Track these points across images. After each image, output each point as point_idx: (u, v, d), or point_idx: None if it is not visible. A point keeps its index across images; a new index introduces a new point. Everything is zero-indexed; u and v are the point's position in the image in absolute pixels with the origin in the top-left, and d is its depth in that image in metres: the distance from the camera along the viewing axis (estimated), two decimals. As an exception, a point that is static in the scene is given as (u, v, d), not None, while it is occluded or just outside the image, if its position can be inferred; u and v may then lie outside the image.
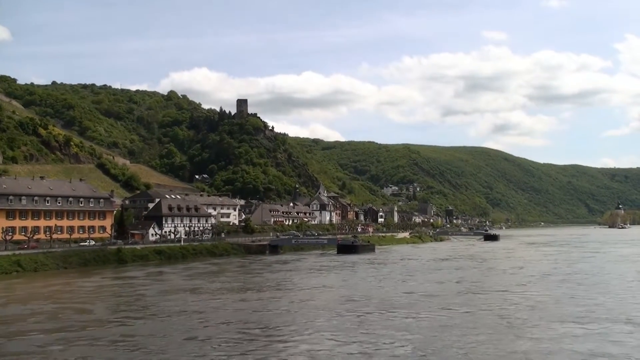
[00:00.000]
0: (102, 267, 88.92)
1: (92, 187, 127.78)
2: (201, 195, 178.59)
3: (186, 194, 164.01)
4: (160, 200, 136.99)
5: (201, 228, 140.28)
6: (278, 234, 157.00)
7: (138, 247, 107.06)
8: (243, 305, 48.44)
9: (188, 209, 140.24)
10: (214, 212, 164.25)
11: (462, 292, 54.52)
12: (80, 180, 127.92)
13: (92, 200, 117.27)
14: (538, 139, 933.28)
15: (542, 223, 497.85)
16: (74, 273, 79.47)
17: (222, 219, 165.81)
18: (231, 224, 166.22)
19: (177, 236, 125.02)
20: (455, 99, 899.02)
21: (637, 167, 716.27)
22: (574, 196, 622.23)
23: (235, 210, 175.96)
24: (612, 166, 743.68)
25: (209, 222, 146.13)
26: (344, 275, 72.72)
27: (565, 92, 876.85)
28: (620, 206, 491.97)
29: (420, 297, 51.16)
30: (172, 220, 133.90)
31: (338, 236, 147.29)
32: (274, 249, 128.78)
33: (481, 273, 72.36)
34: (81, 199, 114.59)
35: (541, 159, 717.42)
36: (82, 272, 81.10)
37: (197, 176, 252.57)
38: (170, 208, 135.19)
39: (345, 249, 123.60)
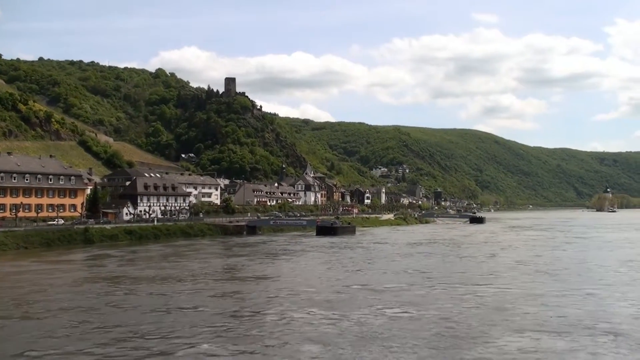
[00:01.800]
0: (66, 248, 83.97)
1: (63, 164, 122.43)
2: (182, 174, 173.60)
3: (166, 173, 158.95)
4: (135, 179, 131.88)
5: (178, 208, 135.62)
6: (259, 214, 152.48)
7: (108, 226, 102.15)
8: (136, 300, 41.20)
9: (165, 188, 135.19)
10: (195, 192, 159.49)
11: (415, 285, 46.68)
12: (51, 156, 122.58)
13: (62, 177, 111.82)
14: (528, 122, 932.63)
15: (531, 206, 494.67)
16: (32, 254, 74.58)
17: (203, 199, 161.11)
18: (212, 204, 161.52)
19: (151, 216, 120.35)
20: (445, 81, 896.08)
21: (626, 152, 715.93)
22: (563, 180, 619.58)
23: (217, 190, 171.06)
24: (601, 150, 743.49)
25: (187, 201, 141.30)
26: (302, 261, 66.88)
27: (556, 76, 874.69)
28: (608, 190, 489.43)
29: (362, 291, 43.56)
30: (148, 200, 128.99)
31: (318, 217, 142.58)
32: (252, 229, 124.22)
33: (450, 261, 65.73)
34: (51, 176, 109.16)
35: (531, 142, 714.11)
36: (34, 253, 76.02)
37: (183, 155, 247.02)
38: (146, 187, 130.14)
39: (325, 230, 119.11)
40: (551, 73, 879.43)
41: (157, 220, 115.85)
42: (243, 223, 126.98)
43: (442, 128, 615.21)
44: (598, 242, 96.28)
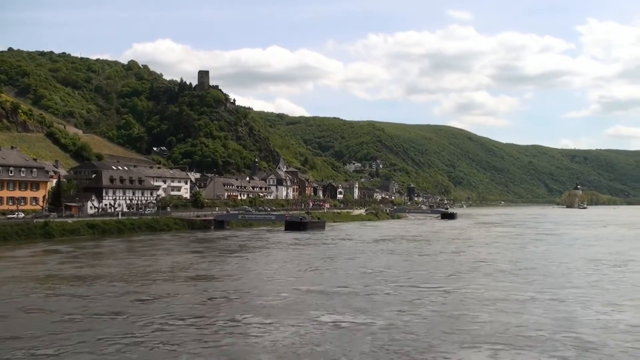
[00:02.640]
0: (24, 242, 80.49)
1: (25, 155, 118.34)
2: (151, 167, 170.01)
3: (134, 166, 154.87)
4: (101, 171, 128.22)
5: (145, 202, 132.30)
6: (229, 208, 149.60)
7: (69, 220, 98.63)
8: (54, 304, 36.82)
9: (132, 181, 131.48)
10: (164, 185, 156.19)
11: (370, 287, 42.36)
12: (12, 147, 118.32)
13: (23, 169, 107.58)
14: (501, 119, 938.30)
15: (503, 202, 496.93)
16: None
17: (172, 193, 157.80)
18: (182, 198, 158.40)
19: (117, 210, 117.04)
20: (420, 78, 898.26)
21: (596, 149, 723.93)
22: (534, 176, 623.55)
23: (186, 183, 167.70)
24: (572, 147, 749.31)
25: (154, 195, 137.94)
26: (258, 259, 62.98)
27: (529, 73, 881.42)
28: (578, 187, 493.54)
29: (310, 295, 39.66)
30: (114, 193, 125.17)
31: (287, 212, 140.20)
32: (219, 224, 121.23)
33: (413, 259, 61.84)
34: (11, 168, 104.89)
35: (504, 139, 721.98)
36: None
37: (155, 148, 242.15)
38: (111, 180, 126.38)
39: (293, 225, 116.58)
40: (524, 71, 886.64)
41: (123, 215, 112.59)
42: (211, 217, 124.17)
43: (416, 124, 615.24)
44: (566, 239, 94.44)
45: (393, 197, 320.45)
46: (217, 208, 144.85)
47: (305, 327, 30.07)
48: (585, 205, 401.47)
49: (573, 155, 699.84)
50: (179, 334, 28.74)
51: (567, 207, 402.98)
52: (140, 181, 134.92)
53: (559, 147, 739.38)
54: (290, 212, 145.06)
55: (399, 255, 66.66)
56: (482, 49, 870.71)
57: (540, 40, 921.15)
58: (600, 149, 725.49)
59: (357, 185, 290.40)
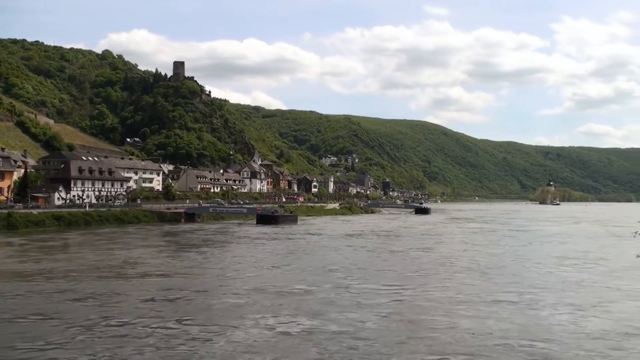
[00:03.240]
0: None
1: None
2: (122, 158, 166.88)
3: (105, 156, 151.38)
4: (69, 162, 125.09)
5: (114, 193, 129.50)
6: (201, 201, 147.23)
7: (35, 212, 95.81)
8: None
9: (101, 172, 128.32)
10: (135, 177, 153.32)
11: (328, 287, 38.94)
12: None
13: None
14: (476, 115, 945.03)
15: (477, 197, 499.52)
16: None
17: (143, 184, 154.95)
18: (154, 189, 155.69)
19: (85, 201, 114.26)
20: (396, 72, 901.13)
21: (569, 146, 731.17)
22: (509, 172, 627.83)
23: (159, 175, 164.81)
24: (545, 144, 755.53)
25: (124, 186, 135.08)
26: (216, 254, 59.53)
27: (504, 70, 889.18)
28: (551, 183, 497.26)
29: (262, 295, 35.68)
30: (83, 184, 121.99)
31: (258, 206, 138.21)
32: (190, 217, 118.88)
33: (379, 256, 58.64)
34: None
35: (479, 135, 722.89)
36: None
37: (128, 139, 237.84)
38: (80, 170, 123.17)
39: (265, 219, 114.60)
40: (499, 67, 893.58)
41: (91, 206, 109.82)
42: (182, 210, 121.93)
43: (393, 119, 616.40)
44: (538, 236, 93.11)
45: (368, 192, 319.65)
46: (187, 200, 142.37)
47: (247, 333, 26.99)
48: (558, 202, 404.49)
49: (547, 152, 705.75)
50: (99, 341, 25.22)
51: (540, 203, 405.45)
52: (110, 172, 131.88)
53: (533, 143, 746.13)
54: (263, 206, 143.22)
55: (365, 251, 64.01)
56: (458, 44, 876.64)
57: (515, 37, 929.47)
58: (573, 146, 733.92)
59: (332, 179, 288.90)
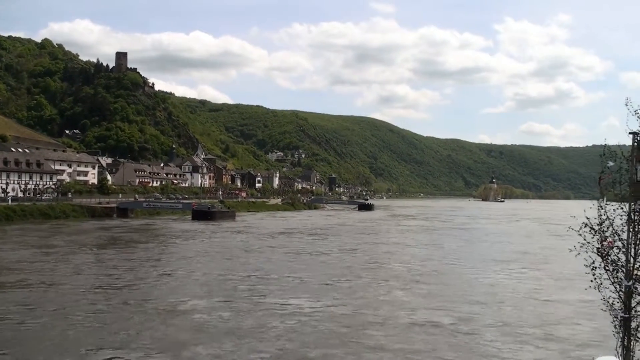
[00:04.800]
0: None
1: None
2: (55, 151, 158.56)
3: (37, 148, 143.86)
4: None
5: (42, 187, 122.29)
6: (137, 195, 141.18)
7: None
8: None
9: (29, 164, 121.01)
10: (69, 170, 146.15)
11: (229, 301, 31.71)
12: None
13: None
14: (422, 113, 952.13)
15: (422, 194, 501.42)
16: None
17: (78, 178, 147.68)
18: (89, 183, 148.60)
19: (8, 194, 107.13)
20: (344, 69, 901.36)
21: (511, 144, 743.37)
22: (453, 169, 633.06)
23: (94, 168, 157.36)
24: (488, 142, 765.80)
25: (54, 179, 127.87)
26: (110, 257, 52.14)
27: (449, 69, 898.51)
28: (494, 181, 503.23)
29: (137, 314, 28.39)
30: (8, 176, 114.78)
31: (194, 201, 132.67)
32: (123, 212, 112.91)
33: (299, 259, 51.90)
34: None
35: (424, 132, 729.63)
36: None
37: (67, 131, 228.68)
38: (5, 162, 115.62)
39: (201, 215, 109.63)
40: (444, 66, 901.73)
41: (15, 200, 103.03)
42: (114, 205, 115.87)
43: (340, 115, 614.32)
44: (477, 235, 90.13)
45: (314, 187, 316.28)
46: (120, 195, 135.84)
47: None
48: (502, 199, 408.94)
49: (489, 149, 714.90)
50: None
51: (483, 200, 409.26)
52: (39, 164, 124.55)
53: (476, 141, 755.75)
54: (203, 201, 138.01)
55: (287, 253, 57.55)
56: (404, 42, 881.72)
57: (459, 36, 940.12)
58: (515, 144, 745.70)
59: (277, 175, 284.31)
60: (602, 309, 12.07)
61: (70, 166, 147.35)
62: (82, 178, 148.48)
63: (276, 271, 44.61)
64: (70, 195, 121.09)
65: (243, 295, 34.10)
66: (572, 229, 12.28)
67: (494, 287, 39.72)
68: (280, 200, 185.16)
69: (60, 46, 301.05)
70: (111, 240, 68.42)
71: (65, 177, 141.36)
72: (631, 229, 11.52)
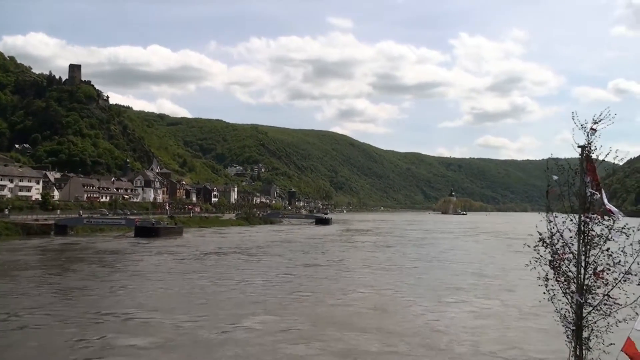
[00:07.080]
0: None
1: None
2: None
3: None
4: None
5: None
6: (81, 211, 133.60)
7: None
8: None
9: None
10: (10, 185, 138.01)
11: (103, 348, 25.56)
12: None
13: None
14: (381, 127, 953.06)
15: (382, 208, 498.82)
16: None
17: (20, 193, 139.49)
18: (33, 199, 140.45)
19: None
20: (303, 83, 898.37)
21: (469, 158, 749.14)
22: (412, 183, 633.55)
23: (38, 183, 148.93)
24: (447, 155, 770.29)
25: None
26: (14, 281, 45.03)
27: (407, 83, 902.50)
28: (453, 194, 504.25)
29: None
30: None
31: (137, 217, 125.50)
32: (61, 229, 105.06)
33: (202, 290, 41.20)
34: None
35: (384, 146, 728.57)
36: None
37: (17, 145, 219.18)
38: None
39: (144, 231, 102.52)
40: (402, 80, 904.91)
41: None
42: (51, 222, 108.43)
43: (300, 129, 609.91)
44: (432, 253, 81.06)
45: (274, 202, 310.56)
46: (60, 211, 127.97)
47: None
48: (464, 212, 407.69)
49: (448, 163, 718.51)
50: None
51: (442, 213, 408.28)
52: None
53: (435, 154, 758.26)
54: (152, 216, 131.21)
55: (203, 280, 47.10)
56: (362, 57, 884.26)
57: (417, 51, 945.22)
58: (473, 158, 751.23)
59: (235, 189, 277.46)
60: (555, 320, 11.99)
61: (12, 181, 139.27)
62: (24, 193, 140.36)
63: (192, 300, 36.98)
64: (7, 212, 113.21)
65: (141, 337, 26.31)
66: (528, 246, 12.10)
67: (441, 329, 30.44)
68: (234, 215, 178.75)
69: (12, 59, 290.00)
70: (24, 263, 59.34)
71: (6, 192, 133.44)
72: (581, 241, 11.74)
